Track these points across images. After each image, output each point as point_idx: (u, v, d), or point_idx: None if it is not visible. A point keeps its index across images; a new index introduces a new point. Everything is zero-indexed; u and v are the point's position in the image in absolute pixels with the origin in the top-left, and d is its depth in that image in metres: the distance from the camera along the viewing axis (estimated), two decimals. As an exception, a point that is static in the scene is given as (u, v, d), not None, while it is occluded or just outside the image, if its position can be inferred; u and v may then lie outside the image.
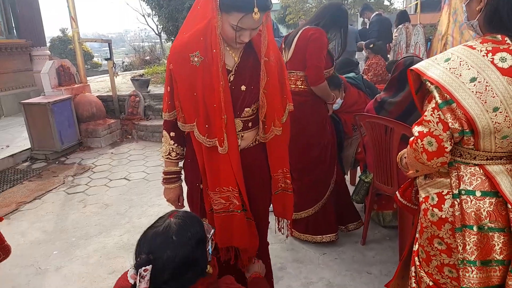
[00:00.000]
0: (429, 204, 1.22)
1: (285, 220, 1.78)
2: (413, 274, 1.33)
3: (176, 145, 1.57)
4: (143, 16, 12.15)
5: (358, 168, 3.28)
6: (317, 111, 2.47)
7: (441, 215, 1.19)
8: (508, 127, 1.06)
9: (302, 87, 2.44)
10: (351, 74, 3.22)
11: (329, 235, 2.65)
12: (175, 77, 1.44)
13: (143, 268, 0.99)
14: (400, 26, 6.67)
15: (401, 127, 2.16)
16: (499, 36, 1.08)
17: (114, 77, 6.21)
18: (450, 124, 1.08)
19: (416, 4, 13.52)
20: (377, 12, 7.05)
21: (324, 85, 2.36)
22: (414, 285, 1.32)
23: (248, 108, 1.48)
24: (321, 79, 2.33)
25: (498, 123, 1.06)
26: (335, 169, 2.68)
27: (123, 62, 17.89)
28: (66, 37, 15.46)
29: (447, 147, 1.11)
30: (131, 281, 1.02)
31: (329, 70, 2.43)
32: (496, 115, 1.05)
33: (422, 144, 1.12)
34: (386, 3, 16.57)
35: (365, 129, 2.50)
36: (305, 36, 2.36)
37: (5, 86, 7.20)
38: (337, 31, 2.45)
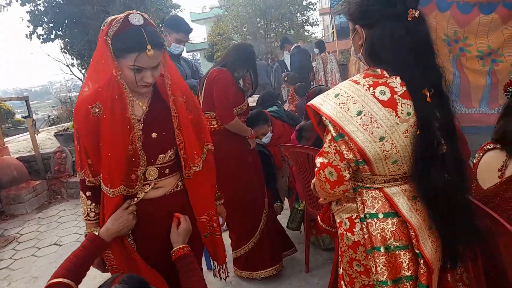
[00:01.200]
0: (343, 229, 1.28)
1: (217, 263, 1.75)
2: None
3: (94, 204, 1.49)
4: (67, 66, 11.75)
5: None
6: (235, 147, 2.52)
7: (354, 239, 1.25)
8: (396, 153, 1.15)
9: (217, 126, 2.49)
10: (273, 108, 3.34)
11: (269, 269, 2.64)
12: (79, 132, 1.42)
13: None
14: (317, 55, 7.16)
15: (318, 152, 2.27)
16: (378, 70, 1.17)
17: (36, 135, 5.85)
18: (345, 155, 1.15)
19: (333, 33, 14.65)
20: (296, 44, 7.50)
21: (235, 122, 2.43)
22: None
23: (163, 155, 1.48)
24: (230, 116, 2.40)
25: (386, 151, 1.14)
26: (266, 202, 2.71)
27: (49, 116, 16.92)
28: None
29: (345, 176, 1.17)
30: None
31: (241, 106, 2.51)
32: (383, 144, 1.13)
33: (324, 174, 1.18)
34: (306, 34, 17.70)
35: (290, 159, 2.58)
36: (210, 78, 2.45)
37: None
38: (244, 70, 2.56)
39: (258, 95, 4.13)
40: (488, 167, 1.42)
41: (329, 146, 1.17)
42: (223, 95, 2.37)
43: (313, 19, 17.74)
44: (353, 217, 1.26)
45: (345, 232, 1.27)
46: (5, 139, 6.72)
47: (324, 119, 1.17)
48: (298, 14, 16.81)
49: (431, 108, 1.13)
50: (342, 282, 1.36)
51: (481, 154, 1.49)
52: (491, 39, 4.37)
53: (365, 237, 1.20)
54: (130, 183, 1.41)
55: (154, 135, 1.45)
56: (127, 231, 1.43)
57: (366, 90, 1.14)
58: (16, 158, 5.69)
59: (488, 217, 1.26)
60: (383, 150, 1.13)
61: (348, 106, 1.14)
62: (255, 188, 2.63)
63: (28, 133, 8.77)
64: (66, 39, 8.59)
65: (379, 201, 1.21)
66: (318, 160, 1.20)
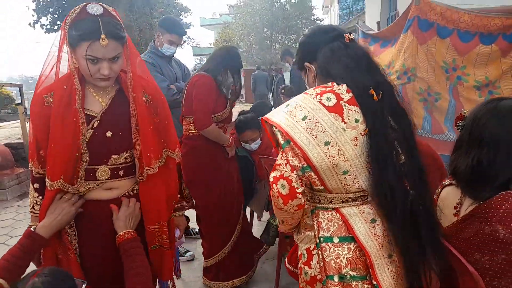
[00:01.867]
0: (302, 262, 1.21)
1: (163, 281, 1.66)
2: None
3: (40, 197, 1.43)
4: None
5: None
6: (210, 155, 2.46)
7: (311, 273, 1.18)
8: (344, 161, 1.10)
9: (194, 131, 2.43)
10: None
11: (240, 278, 2.58)
12: (32, 122, 1.37)
13: None
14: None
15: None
16: (329, 83, 1.18)
17: (26, 122, 5.79)
18: (290, 161, 1.10)
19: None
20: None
21: (211, 128, 2.35)
22: None
23: (116, 155, 1.40)
24: (207, 123, 2.33)
25: (333, 157, 1.10)
26: (241, 214, 2.65)
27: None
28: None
29: (297, 188, 1.11)
30: None
31: (221, 114, 2.44)
32: (328, 148, 1.10)
33: (277, 188, 1.12)
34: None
35: (269, 171, 2.52)
36: (191, 83, 2.40)
37: None
38: (226, 74, 2.47)
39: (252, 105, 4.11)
40: (444, 204, 1.33)
41: (281, 158, 1.13)
42: (203, 100, 2.32)
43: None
44: (311, 248, 1.19)
45: (303, 266, 1.20)
46: (0, 124, 6.64)
47: (274, 128, 1.15)
48: (305, 28, 16.90)
49: (380, 113, 1.12)
50: None
51: (439, 190, 1.38)
52: (489, 70, 4.34)
53: (320, 265, 1.13)
54: (71, 179, 1.34)
55: (109, 134, 1.38)
56: (66, 223, 1.36)
57: (314, 98, 1.14)
58: (4, 144, 5.63)
59: (451, 255, 1.20)
60: (329, 156, 1.09)
61: (295, 113, 1.13)
62: (231, 198, 2.56)
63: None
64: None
65: (335, 223, 1.15)
66: (272, 175, 1.14)
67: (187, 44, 16.41)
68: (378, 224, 1.15)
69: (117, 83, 1.44)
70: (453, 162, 1.29)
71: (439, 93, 3.75)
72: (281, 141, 1.12)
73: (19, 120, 9.79)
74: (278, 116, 1.16)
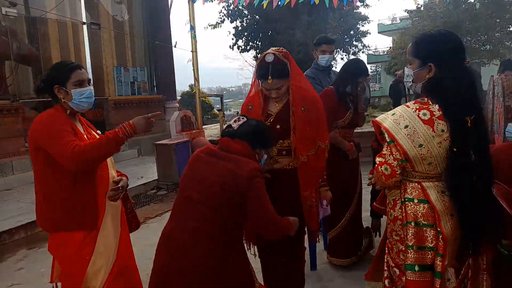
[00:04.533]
0: (389, 207, 1.78)
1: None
2: (385, 260, 1.84)
3: None
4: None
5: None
6: (332, 155, 2.66)
7: (395, 215, 1.73)
8: (430, 157, 1.59)
9: None
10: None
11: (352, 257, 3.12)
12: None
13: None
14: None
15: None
16: (425, 99, 1.63)
17: (224, 124, 7.52)
18: (394, 154, 1.63)
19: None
20: None
21: (332, 135, 2.70)
22: (385, 268, 1.83)
23: (281, 140, 2.20)
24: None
25: (423, 154, 1.59)
26: (354, 201, 3.12)
27: (237, 113, 20.07)
28: (193, 93, 18.32)
29: (397, 171, 1.64)
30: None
31: (341, 121, 2.91)
32: (421, 149, 1.58)
33: (382, 170, 1.66)
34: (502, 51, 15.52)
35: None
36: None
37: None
38: (347, 84, 2.87)
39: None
40: None
41: (385, 150, 1.66)
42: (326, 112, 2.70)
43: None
44: (396, 199, 1.74)
45: (390, 210, 1.77)
46: (203, 126, 8.73)
47: (383, 130, 1.66)
48: (497, 28, 14.96)
49: (465, 130, 1.54)
50: (386, 248, 1.85)
51: None
52: None
53: (403, 214, 1.67)
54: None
55: (278, 126, 2.19)
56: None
57: (413, 111, 1.61)
58: (208, 139, 7.44)
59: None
60: (421, 154, 1.59)
61: (399, 121, 1.62)
62: (345, 187, 3.01)
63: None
64: (258, 50, 10.40)
65: (416, 191, 1.66)
66: (377, 159, 1.69)
67: (362, 52, 16.61)
68: (446, 194, 1.62)
69: (287, 94, 2.22)
70: None
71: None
72: (388, 139, 1.64)
73: (217, 124, 12.35)
74: (386, 121, 1.66)
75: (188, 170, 1.88)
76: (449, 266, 1.62)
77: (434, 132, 1.57)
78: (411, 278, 1.63)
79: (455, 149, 1.55)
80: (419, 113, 1.60)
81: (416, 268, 1.62)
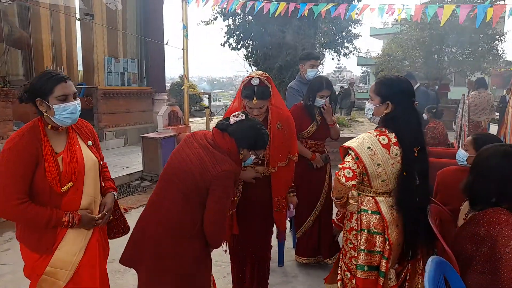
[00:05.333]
0: (347, 219, 2.08)
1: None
2: (339, 265, 2.16)
3: None
4: (249, 65, 14.06)
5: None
6: (299, 164, 2.88)
7: (351, 225, 2.04)
8: (384, 175, 1.91)
9: None
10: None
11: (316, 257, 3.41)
12: None
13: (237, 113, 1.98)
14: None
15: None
16: (383, 129, 1.96)
17: (210, 121, 7.74)
18: (356, 166, 1.92)
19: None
20: (419, 83, 7.39)
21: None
22: (339, 271, 2.15)
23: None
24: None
25: (379, 172, 1.91)
26: (320, 205, 3.36)
27: (226, 106, 20.22)
28: (182, 83, 18.36)
29: (357, 176, 1.92)
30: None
31: (305, 132, 3.20)
32: (378, 167, 1.91)
33: (344, 173, 1.93)
34: (485, 65, 16.09)
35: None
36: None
37: (132, 121, 9.34)
38: (310, 96, 3.20)
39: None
40: (462, 211, 2.02)
41: (349, 161, 1.95)
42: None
43: (501, 49, 16.02)
44: (353, 212, 2.05)
45: (347, 221, 2.09)
46: (191, 119, 8.93)
47: (350, 150, 1.97)
48: (481, 42, 15.49)
49: (412, 159, 1.88)
50: (341, 254, 2.17)
51: (463, 202, 2.05)
52: None
53: (357, 223, 1.98)
54: None
55: None
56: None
57: (375, 136, 1.94)
58: (194, 135, 7.65)
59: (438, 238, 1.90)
60: (377, 171, 1.91)
61: (363, 143, 1.94)
62: (310, 192, 3.29)
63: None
64: (249, 49, 10.61)
65: (371, 203, 1.98)
66: (341, 166, 1.98)
67: (353, 54, 16.84)
68: (394, 208, 1.94)
69: (265, 112, 2.49)
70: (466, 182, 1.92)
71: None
72: (354, 156, 1.94)
73: (203, 117, 12.54)
74: (353, 143, 1.97)
75: (176, 149, 1.97)
76: (391, 268, 1.95)
77: (390, 155, 1.89)
78: (361, 276, 1.95)
79: (405, 173, 1.87)
80: (379, 138, 1.92)
81: (366, 268, 1.94)
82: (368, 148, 1.91)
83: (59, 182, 1.75)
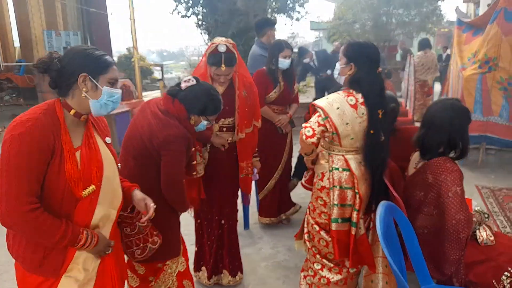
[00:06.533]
0: (318, 179, 2.14)
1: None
2: (306, 220, 2.26)
3: None
4: (200, 33, 13.51)
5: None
6: (264, 129, 3.01)
7: (322, 184, 2.10)
8: (353, 133, 1.97)
9: None
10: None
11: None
12: None
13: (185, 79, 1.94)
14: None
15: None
16: (351, 90, 2.00)
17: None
18: (328, 127, 1.96)
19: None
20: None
21: (263, 109, 3.11)
22: (305, 225, 2.26)
23: (223, 119, 2.47)
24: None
25: (348, 131, 1.96)
26: (281, 168, 3.50)
27: (179, 78, 19.59)
28: (131, 55, 17.48)
29: (317, 134, 1.96)
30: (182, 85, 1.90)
31: (270, 95, 3.24)
32: (346, 126, 1.96)
33: (305, 132, 1.97)
34: (430, 25, 16.73)
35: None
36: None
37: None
38: (271, 62, 3.21)
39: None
40: (412, 162, 2.27)
41: (313, 119, 1.99)
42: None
43: (440, 10, 16.72)
44: (324, 172, 2.11)
45: (318, 181, 2.14)
46: (143, 93, 8.56)
47: (318, 108, 2.00)
48: (426, 3, 16.01)
49: (377, 118, 1.97)
50: (308, 209, 2.25)
51: (413, 153, 2.28)
52: None
53: (329, 180, 2.05)
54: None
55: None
56: None
57: (343, 97, 1.99)
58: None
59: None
60: (346, 130, 1.96)
61: (333, 103, 1.99)
62: (274, 155, 3.42)
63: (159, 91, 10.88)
64: (199, 17, 10.20)
65: (341, 161, 2.05)
66: (304, 124, 2.02)
67: (305, 18, 16.81)
68: (362, 164, 2.03)
69: (231, 79, 2.45)
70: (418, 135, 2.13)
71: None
72: (323, 116, 1.97)
73: (158, 90, 12.09)
74: (322, 103, 2.01)
75: (133, 119, 2.01)
76: (361, 218, 2.08)
77: (357, 114, 1.96)
78: (335, 228, 2.06)
79: (371, 131, 1.95)
80: (347, 99, 1.98)
81: (339, 220, 2.06)
82: (338, 108, 1.96)
83: (81, 184, 1.36)
